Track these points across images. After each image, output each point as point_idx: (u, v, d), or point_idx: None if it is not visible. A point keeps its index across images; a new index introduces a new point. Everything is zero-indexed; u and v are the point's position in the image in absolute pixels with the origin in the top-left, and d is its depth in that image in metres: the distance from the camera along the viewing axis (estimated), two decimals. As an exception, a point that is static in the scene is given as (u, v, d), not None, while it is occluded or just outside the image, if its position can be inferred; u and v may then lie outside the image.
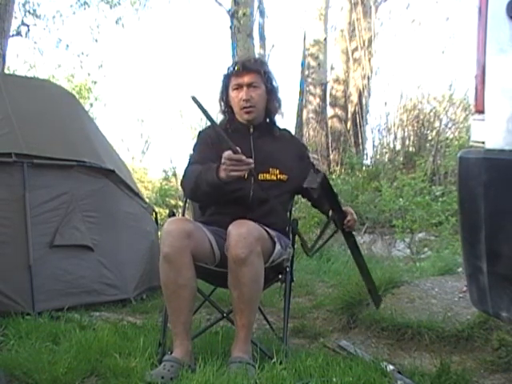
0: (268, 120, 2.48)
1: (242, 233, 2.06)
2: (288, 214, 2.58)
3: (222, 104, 2.46)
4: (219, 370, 1.92)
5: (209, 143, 2.39)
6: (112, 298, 3.26)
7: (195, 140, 2.53)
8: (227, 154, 2.05)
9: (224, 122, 2.45)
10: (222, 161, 2.06)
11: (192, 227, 2.14)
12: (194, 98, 1.96)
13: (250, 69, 2.37)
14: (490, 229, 1.50)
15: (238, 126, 2.41)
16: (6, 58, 6.31)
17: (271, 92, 2.42)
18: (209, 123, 2.29)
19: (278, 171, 2.37)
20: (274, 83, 2.44)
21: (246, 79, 2.36)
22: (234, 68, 2.40)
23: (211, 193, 2.19)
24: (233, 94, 2.39)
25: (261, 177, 2.34)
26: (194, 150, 2.45)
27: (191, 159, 2.39)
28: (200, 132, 2.54)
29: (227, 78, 2.42)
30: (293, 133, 2.80)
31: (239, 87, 2.37)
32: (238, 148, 2.05)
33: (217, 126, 2.17)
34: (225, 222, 2.19)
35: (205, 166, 2.19)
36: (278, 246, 2.23)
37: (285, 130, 2.57)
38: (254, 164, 2.31)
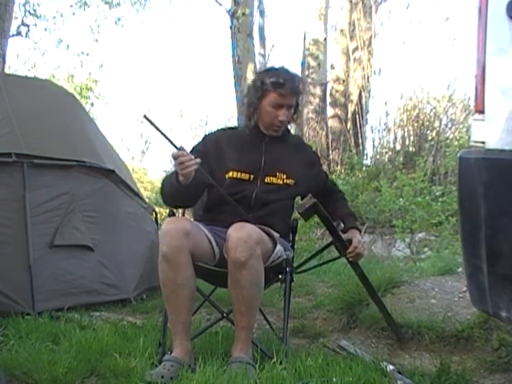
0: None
1: (242, 236, 2.05)
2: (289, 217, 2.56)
3: (251, 109, 2.37)
4: (219, 369, 1.92)
5: (208, 150, 2.36)
6: (112, 298, 3.26)
7: (197, 140, 2.50)
8: (173, 152, 2.08)
9: (244, 125, 2.43)
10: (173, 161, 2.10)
11: (190, 226, 2.14)
12: (145, 117, 2.07)
13: (295, 93, 2.33)
14: (490, 229, 1.50)
15: (256, 131, 2.39)
16: (6, 58, 6.31)
17: (297, 105, 2.40)
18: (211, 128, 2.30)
19: (284, 176, 2.36)
20: (301, 97, 2.42)
21: (289, 101, 2.32)
22: (279, 84, 2.29)
23: (175, 195, 2.23)
24: (269, 107, 2.32)
25: (267, 180, 2.35)
26: (191, 151, 2.43)
27: None
28: (205, 136, 2.52)
29: (265, 88, 2.31)
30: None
31: (279, 106, 2.32)
32: (182, 146, 2.10)
33: (172, 143, 2.13)
34: (226, 221, 2.20)
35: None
36: (278, 247, 2.23)
37: (297, 135, 2.56)
38: (263, 167, 2.32)
